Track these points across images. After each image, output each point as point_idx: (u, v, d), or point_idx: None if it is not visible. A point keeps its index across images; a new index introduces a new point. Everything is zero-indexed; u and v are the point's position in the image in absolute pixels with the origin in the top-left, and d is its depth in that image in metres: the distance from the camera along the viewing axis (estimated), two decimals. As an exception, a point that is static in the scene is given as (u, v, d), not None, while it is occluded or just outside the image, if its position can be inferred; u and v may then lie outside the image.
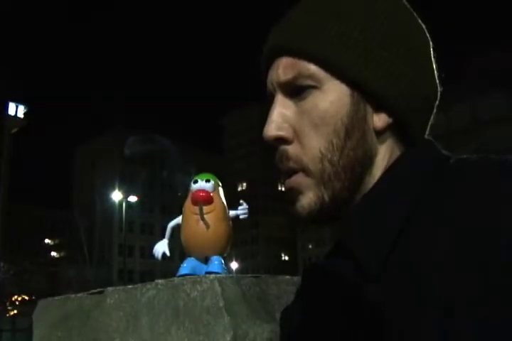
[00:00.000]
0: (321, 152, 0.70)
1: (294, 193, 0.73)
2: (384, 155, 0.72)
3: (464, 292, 0.54)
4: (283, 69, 0.73)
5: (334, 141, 0.70)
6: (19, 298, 51.06)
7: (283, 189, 0.76)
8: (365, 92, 0.70)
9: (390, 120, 0.71)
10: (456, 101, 45.28)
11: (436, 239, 0.59)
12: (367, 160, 0.71)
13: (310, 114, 0.71)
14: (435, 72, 0.76)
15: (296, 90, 0.72)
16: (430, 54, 0.76)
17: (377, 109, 0.71)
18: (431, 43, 0.76)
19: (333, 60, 0.69)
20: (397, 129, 0.73)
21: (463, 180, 0.62)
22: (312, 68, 0.70)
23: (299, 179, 0.72)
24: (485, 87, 46.46)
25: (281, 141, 0.72)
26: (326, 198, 0.70)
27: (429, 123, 0.77)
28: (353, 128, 0.70)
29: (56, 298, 1.74)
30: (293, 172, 0.72)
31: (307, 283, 0.81)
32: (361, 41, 0.70)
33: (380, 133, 0.72)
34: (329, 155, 0.69)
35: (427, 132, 0.78)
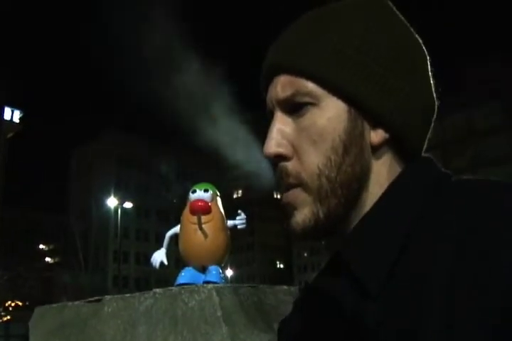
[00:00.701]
0: (319, 168, 0.70)
1: (290, 208, 0.73)
2: (381, 170, 0.73)
3: (465, 314, 0.54)
4: (281, 87, 0.74)
5: (332, 158, 0.70)
6: (13, 304, 50.77)
7: (281, 203, 0.76)
8: (362, 108, 0.71)
9: (387, 135, 0.72)
10: (452, 112, 45.41)
11: (437, 259, 0.59)
12: (364, 176, 0.71)
13: (308, 131, 0.71)
14: (432, 85, 0.76)
15: (294, 107, 0.73)
16: (427, 68, 0.76)
17: (375, 125, 0.72)
18: (428, 57, 0.77)
19: (330, 77, 0.70)
20: (394, 144, 0.73)
21: (463, 198, 0.62)
22: (310, 86, 0.71)
23: (296, 194, 0.72)
24: (480, 98, 46.65)
25: (281, 157, 0.73)
26: (321, 215, 0.71)
27: (427, 137, 0.78)
28: (351, 145, 0.70)
29: (53, 305, 1.74)
30: (291, 187, 0.73)
31: (306, 301, 0.81)
32: (357, 58, 0.71)
33: (376, 149, 0.72)
34: (327, 172, 0.70)
35: (425, 145, 0.79)
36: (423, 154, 0.77)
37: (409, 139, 0.73)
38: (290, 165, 0.73)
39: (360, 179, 0.71)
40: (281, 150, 0.73)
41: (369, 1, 0.76)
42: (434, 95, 0.78)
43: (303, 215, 0.72)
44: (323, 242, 0.80)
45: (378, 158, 0.73)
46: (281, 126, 0.74)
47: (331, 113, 0.71)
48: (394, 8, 0.76)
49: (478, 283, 0.55)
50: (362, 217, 0.71)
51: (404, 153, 0.75)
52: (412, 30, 0.76)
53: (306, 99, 0.72)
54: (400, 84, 0.71)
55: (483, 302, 0.54)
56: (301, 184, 0.72)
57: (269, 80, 0.77)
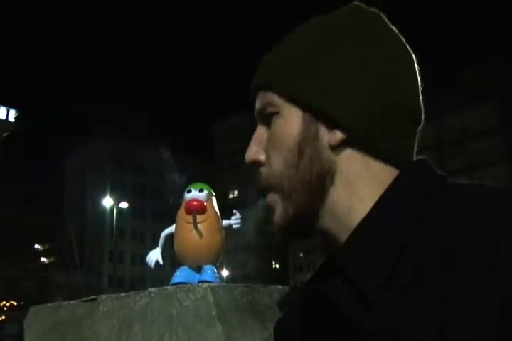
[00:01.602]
0: (280, 170, 0.78)
1: (270, 211, 0.81)
2: (347, 168, 0.75)
3: (460, 319, 0.55)
4: (258, 101, 0.83)
5: (290, 159, 0.77)
6: (7, 304, 50.69)
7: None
8: (314, 113, 0.76)
9: (345, 136, 0.75)
10: (447, 113, 45.50)
11: (433, 263, 0.60)
12: (326, 174, 0.75)
13: (272, 138, 0.80)
14: (405, 83, 0.77)
15: (265, 118, 0.82)
16: (402, 61, 0.78)
17: (331, 127, 0.75)
18: (404, 57, 0.78)
19: (284, 87, 0.78)
20: (356, 143, 0.75)
21: (458, 200, 0.64)
22: (272, 97, 0.79)
23: (270, 197, 0.80)
24: (474, 98, 46.71)
25: (257, 163, 0.81)
26: (290, 212, 0.77)
27: (411, 134, 0.79)
28: (306, 146, 0.76)
29: (48, 304, 1.74)
30: (267, 191, 0.80)
31: (303, 302, 0.82)
32: (309, 66, 0.77)
33: (336, 149, 0.75)
34: (286, 172, 0.77)
35: (416, 144, 0.79)
36: (419, 156, 0.79)
37: (370, 138, 0.75)
38: (264, 170, 0.81)
39: (321, 176, 0.75)
40: (255, 157, 0.82)
41: (340, 12, 0.81)
42: (416, 91, 0.78)
43: (278, 214, 0.79)
44: (318, 245, 0.83)
45: (341, 156, 0.76)
46: (258, 135, 0.83)
47: (288, 119, 0.78)
48: (362, 17, 0.79)
49: (474, 288, 0.56)
50: (359, 221, 0.72)
51: (375, 151, 0.76)
52: (384, 30, 0.79)
53: (271, 109, 0.80)
54: (355, 87, 0.75)
55: (479, 307, 0.55)
56: (270, 187, 0.79)
57: (255, 98, 0.85)
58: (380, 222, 0.70)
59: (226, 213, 1.56)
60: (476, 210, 0.61)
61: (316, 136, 0.76)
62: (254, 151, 0.82)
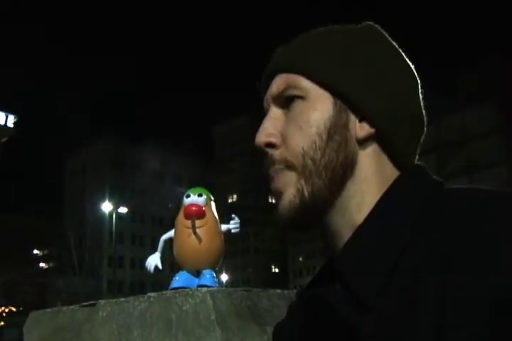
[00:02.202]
0: (303, 150, 0.74)
1: (278, 194, 0.77)
2: (367, 163, 0.75)
3: (455, 323, 0.55)
4: (276, 84, 0.80)
5: (317, 141, 0.74)
6: (7, 310, 50.54)
7: (271, 192, 0.79)
8: (347, 102, 0.75)
9: (372, 130, 0.75)
10: (446, 114, 45.54)
11: (429, 267, 0.60)
12: (348, 164, 0.74)
13: (296, 119, 0.76)
14: (419, 96, 0.80)
15: (286, 101, 0.79)
16: (412, 82, 0.80)
17: (360, 119, 0.76)
18: (415, 73, 0.81)
19: (318, 72, 0.76)
20: (380, 141, 0.76)
21: (455, 205, 0.64)
22: (300, 80, 0.77)
23: (281, 177, 0.76)
24: (474, 99, 46.76)
25: (270, 146, 0.78)
26: (306, 193, 0.74)
27: (418, 144, 0.80)
28: (335, 133, 0.74)
29: (47, 310, 1.74)
30: (279, 172, 0.77)
31: (302, 307, 0.82)
32: (343, 58, 0.77)
33: (362, 142, 0.75)
34: (312, 153, 0.74)
35: (416, 152, 0.81)
36: (416, 162, 0.79)
37: (394, 137, 0.76)
38: (278, 153, 0.77)
39: (344, 166, 0.74)
40: (270, 139, 0.78)
41: (360, 26, 0.83)
42: (422, 106, 0.81)
43: (290, 194, 0.75)
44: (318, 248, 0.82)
45: (364, 151, 0.76)
46: (273, 117, 0.79)
47: (318, 104, 0.76)
48: (381, 33, 0.82)
49: (473, 290, 0.56)
50: (356, 227, 0.72)
51: (392, 152, 0.77)
52: (397, 48, 0.81)
53: (296, 92, 0.77)
54: (383, 85, 0.76)
55: (474, 311, 0.55)
56: (289, 165, 0.75)
57: (268, 84, 0.83)
58: (378, 225, 0.70)
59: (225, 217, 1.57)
60: (475, 213, 0.61)
61: (345, 126, 0.75)
62: (269, 133, 0.78)
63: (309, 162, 0.74)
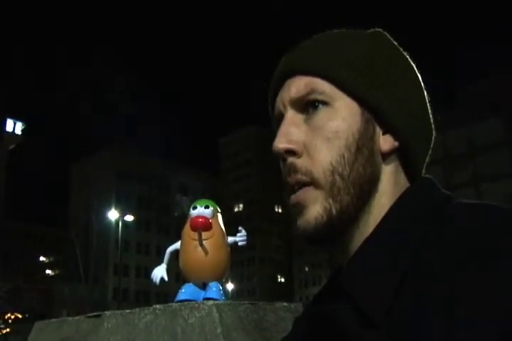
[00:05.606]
0: (332, 165, 0.71)
1: (299, 208, 0.72)
2: (388, 178, 0.74)
3: (463, 339, 0.54)
4: (296, 87, 0.75)
5: (346, 155, 0.71)
6: (12, 316, 50.51)
7: (289, 204, 0.75)
8: (374, 113, 0.73)
9: (396, 144, 0.73)
10: (452, 127, 45.43)
11: (437, 282, 0.59)
12: (374, 180, 0.72)
13: (322, 129, 0.72)
14: (429, 109, 0.79)
15: (307, 106, 0.75)
16: (423, 92, 0.79)
17: (385, 131, 0.74)
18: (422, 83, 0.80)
19: (346, 80, 0.73)
20: (401, 155, 0.75)
21: (464, 220, 0.63)
22: (325, 85, 0.73)
23: (306, 193, 0.72)
24: (482, 111, 46.66)
25: (291, 154, 0.73)
26: (334, 211, 0.70)
27: (428, 155, 0.79)
28: (363, 146, 0.71)
29: (52, 320, 1.74)
30: (300, 186, 0.72)
31: (308, 321, 0.81)
32: (368, 67, 0.74)
33: (385, 156, 0.73)
34: (340, 169, 0.70)
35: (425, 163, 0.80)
36: (423, 175, 0.79)
37: (415, 151, 0.75)
38: (299, 162, 0.72)
39: (371, 182, 0.72)
40: (291, 146, 0.73)
41: (371, 32, 0.81)
42: (431, 119, 0.80)
43: (315, 212, 0.71)
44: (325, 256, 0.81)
45: (386, 165, 0.74)
46: (293, 123, 0.75)
47: (345, 113, 0.72)
48: (392, 40, 0.80)
49: (477, 308, 0.55)
50: (363, 241, 0.71)
51: (408, 165, 0.76)
52: (408, 58, 0.80)
53: (321, 97, 0.73)
54: (407, 97, 0.74)
55: (483, 324, 0.54)
56: (311, 181, 0.71)
57: (281, 85, 0.79)
58: (384, 242, 0.69)
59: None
60: (482, 230, 0.60)
61: (372, 138, 0.73)
62: (289, 140, 0.73)
63: (338, 178, 0.70)
